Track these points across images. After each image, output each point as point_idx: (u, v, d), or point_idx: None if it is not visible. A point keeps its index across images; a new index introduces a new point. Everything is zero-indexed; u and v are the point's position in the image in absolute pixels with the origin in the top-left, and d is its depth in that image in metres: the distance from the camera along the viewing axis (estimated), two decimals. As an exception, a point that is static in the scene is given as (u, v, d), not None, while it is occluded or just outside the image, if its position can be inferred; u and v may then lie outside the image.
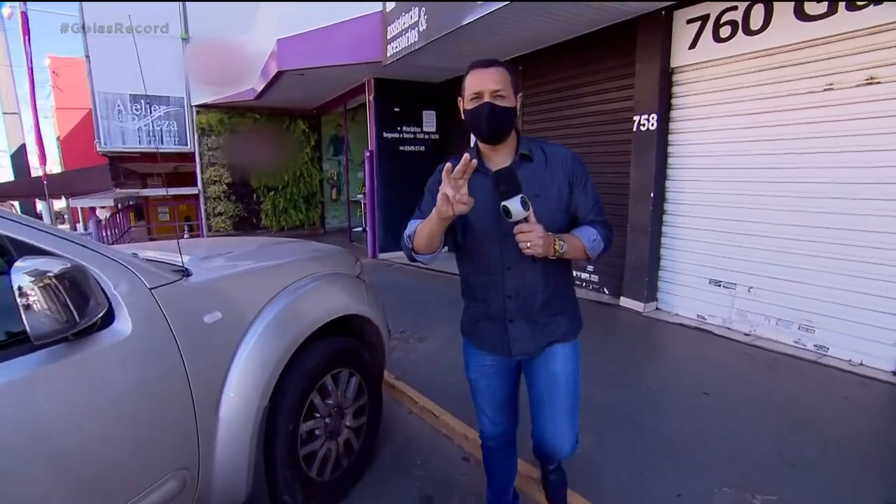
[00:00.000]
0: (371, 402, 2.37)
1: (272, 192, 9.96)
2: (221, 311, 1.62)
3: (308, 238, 9.90)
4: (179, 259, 1.67)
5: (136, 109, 8.64)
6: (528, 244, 1.31)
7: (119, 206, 10.78)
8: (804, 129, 3.41)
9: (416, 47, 4.88)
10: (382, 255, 7.31)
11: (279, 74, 6.48)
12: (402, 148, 7.26)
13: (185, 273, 1.63)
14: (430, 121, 7.44)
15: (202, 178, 9.38)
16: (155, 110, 8.87)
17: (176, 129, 9.07)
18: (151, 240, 10.57)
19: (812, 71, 3.32)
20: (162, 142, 9.04)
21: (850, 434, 2.47)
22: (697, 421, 2.62)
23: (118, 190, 10.24)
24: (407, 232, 1.55)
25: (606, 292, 5.05)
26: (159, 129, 8.94)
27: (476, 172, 1.28)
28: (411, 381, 3.22)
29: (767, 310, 3.73)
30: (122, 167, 10.35)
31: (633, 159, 4.42)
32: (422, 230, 1.43)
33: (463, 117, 1.50)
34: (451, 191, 1.23)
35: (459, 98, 1.51)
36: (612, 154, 4.79)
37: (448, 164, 1.25)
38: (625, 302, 4.63)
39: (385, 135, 7.09)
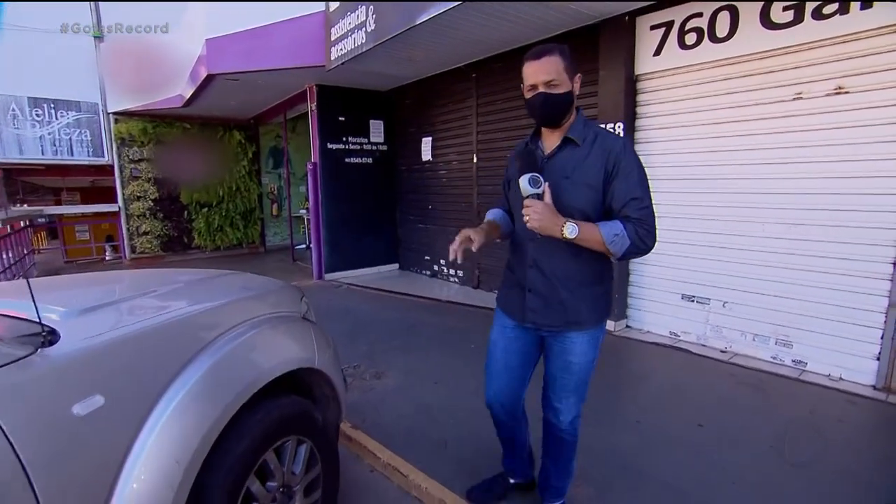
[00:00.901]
0: (326, 471, 1.89)
1: (205, 209, 9.07)
2: (105, 393, 1.11)
3: (248, 258, 9.10)
4: (38, 314, 1.14)
5: (38, 115, 7.56)
6: (527, 218, 1.44)
7: (11, 227, 9.42)
8: (776, 138, 3.30)
9: (364, 49, 4.46)
10: (329, 276, 6.73)
11: (209, 79, 5.83)
12: (348, 160, 6.77)
13: (48, 338, 1.11)
14: (377, 131, 7.01)
15: (123, 194, 8.38)
16: (62, 116, 7.80)
17: (89, 138, 8.03)
18: (67, 263, 9.32)
19: (782, 80, 3.23)
20: (72, 153, 7.96)
21: (863, 466, 2.28)
22: (701, 462, 2.33)
23: (15, 207, 8.93)
24: (486, 218, 1.80)
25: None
26: (67, 137, 7.86)
27: (530, 150, 1.59)
28: (371, 429, 2.74)
29: (743, 325, 3.59)
30: (22, 181, 9.05)
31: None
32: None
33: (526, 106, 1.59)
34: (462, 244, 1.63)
35: (522, 85, 1.58)
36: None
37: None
38: (594, 320, 4.38)
39: (329, 146, 6.57)
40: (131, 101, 7.90)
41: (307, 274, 7.06)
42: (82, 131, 7.95)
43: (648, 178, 1.56)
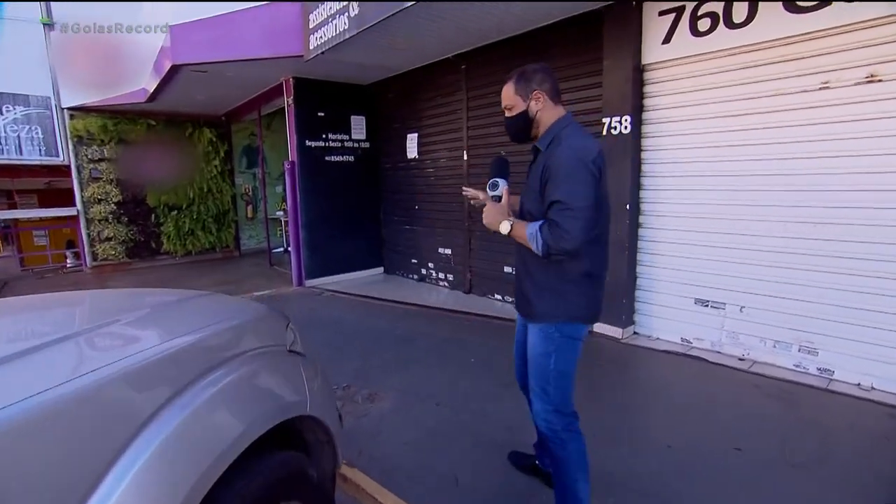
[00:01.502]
0: (321, 536, 1.54)
1: (175, 212, 8.49)
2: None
3: (222, 263, 8.56)
4: None
5: (-22, 110, 6.89)
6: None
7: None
8: (798, 131, 3.07)
9: (347, 36, 4.07)
10: (310, 282, 6.31)
11: (174, 70, 5.33)
12: (328, 158, 6.35)
13: None
14: (359, 127, 6.60)
15: (82, 197, 7.74)
16: (7, 111, 7.12)
17: (41, 135, 7.36)
18: (24, 271, 8.60)
19: (806, 68, 2.99)
20: (21, 152, 7.29)
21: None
22: (752, 496, 2.06)
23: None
24: None
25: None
26: (15, 135, 7.18)
27: (501, 157, 1.88)
28: (368, 465, 2.38)
29: (763, 331, 3.36)
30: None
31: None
32: None
33: None
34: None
35: None
36: (577, 162, 4.30)
37: None
38: (599, 328, 4.11)
39: (308, 143, 6.14)
40: (89, 96, 7.28)
41: (286, 280, 6.61)
42: (32, 128, 7.28)
43: (583, 182, 1.53)
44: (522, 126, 1.73)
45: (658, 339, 3.93)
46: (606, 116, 3.85)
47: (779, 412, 2.76)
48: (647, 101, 3.77)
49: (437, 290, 5.94)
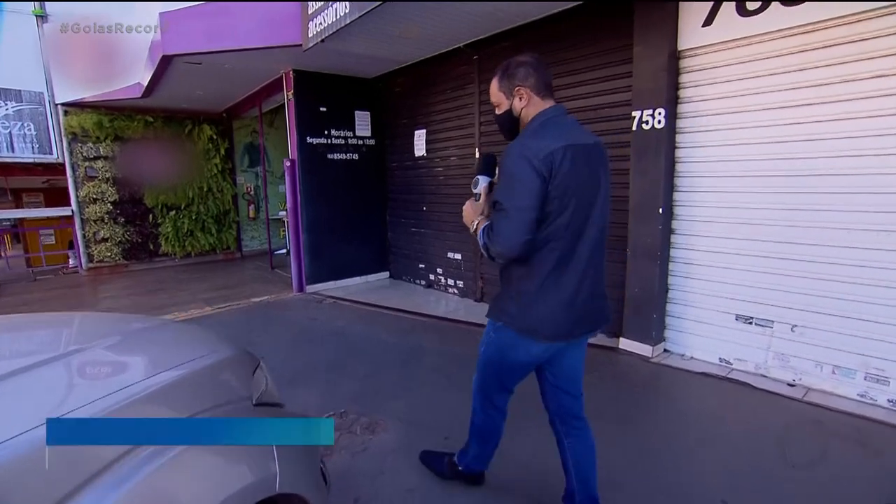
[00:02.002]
0: None
1: (173, 212, 8.18)
2: None
3: (222, 265, 8.23)
4: None
5: (-33, 106, 6.61)
6: None
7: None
8: (867, 124, 2.64)
9: (348, 21, 3.69)
10: (311, 287, 5.95)
11: (166, 61, 4.99)
12: (330, 156, 5.98)
13: None
14: (363, 123, 6.23)
15: (77, 196, 7.45)
16: None
17: (34, 132, 7.09)
18: (27, 271, 8.30)
19: (879, 49, 2.56)
20: (12, 149, 7.01)
21: None
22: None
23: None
24: None
25: (603, 332, 4.11)
26: (6, 131, 6.90)
27: (489, 154, 1.80)
28: (366, 519, 2.01)
29: (819, 354, 2.94)
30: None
31: (634, 166, 3.52)
32: None
33: None
34: None
35: None
36: (610, 158, 3.89)
37: None
38: (626, 345, 3.71)
39: (309, 140, 5.78)
40: (83, 91, 6.98)
41: (287, 284, 6.26)
42: (25, 124, 7.01)
43: (521, 183, 1.46)
44: (509, 124, 1.67)
45: (692, 358, 3.52)
46: (637, 109, 3.44)
47: (857, 459, 2.34)
48: (683, 92, 3.35)
49: (445, 298, 5.55)
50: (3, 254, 12.80)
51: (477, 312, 4.91)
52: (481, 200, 1.64)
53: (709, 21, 3.12)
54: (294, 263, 5.90)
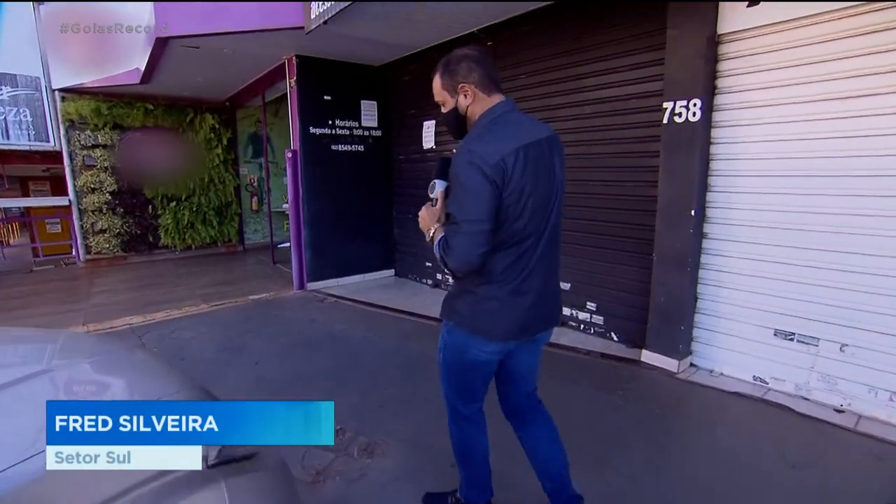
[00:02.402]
0: None
1: (173, 203, 7.95)
2: None
3: (223, 258, 8.00)
4: None
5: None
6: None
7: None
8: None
9: (351, 0, 3.39)
10: (312, 285, 5.69)
11: (161, 45, 4.72)
12: (335, 147, 5.69)
13: None
14: (370, 113, 5.93)
15: (75, 186, 7.24)
16: (-6, 93, 6.63)
17: (30, 118, 6.87)
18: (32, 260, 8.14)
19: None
20: (7, 136, 6.79)
21: None
22: None
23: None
24: None
25: (615, 339, 3.82)
26: (2, 117, 6.69)
27: (444, 157, 1.59)
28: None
29: (874, 378, 2.61)
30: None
31: (664, 163, 3.20)
32: None
33: None
34: None
35: None
36: (628, 156, 3.57)
37: None
38: (649, 357, 3.40)
39: (312, 130, 5.49)
40: (81, 76, 6.73)
41: (288, 281, 6.01)
42: (20, 110, 6.78)
43: (474, 194, 1.39)
44: (456, 123, 1.57)
45: (722, 374, 3.21)
46: (669, 100, 3.11)
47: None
48: (721, 82, 3.01)
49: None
50: (6, 243, 12.73)
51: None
52: (438, 206, 1.54)
53: (755, 0, 2.78)
54: (295, 260, 5.63)
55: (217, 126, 8.07)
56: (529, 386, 1.79)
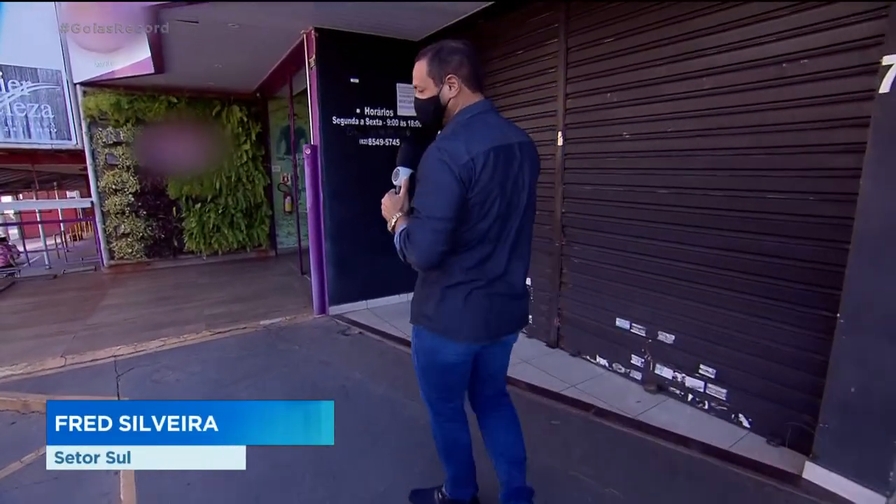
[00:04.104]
0: None
1: (198, 205, 7.31)
2: None
3: (251, 265, 7.27)
4: None
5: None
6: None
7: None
8: None
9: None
10: (335, 309, 4.73)
11: (153, 18, 3.88)
12: (364, 142, 4.68)
13: None
14: (407, 98, 4.86)
15: (97, 187, 6.72)
16: (14, 87, 6.16)
17: (51, 115, 6.39)
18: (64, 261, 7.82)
19: None
20: (29, 134, 6.35)
21: None
22: None
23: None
24: None
25: (747, 425, 2.55)
26: (23, 115, 6.24)
27: (406, 144, 1.60)
28: None
29: None
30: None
31: (876, 162, 1.89)
32: None
33: None
34: None
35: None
36: (786, 152, 2.27)
37: None
38: (822, 478, 2.11)
39: (336, 121, 4.51)
40: (101, 67, 6.13)
41: (310, 300, 5.09)
42: (42, 106, 6.31)
43: (441, 191, 1.37)
44: (432, 112, 1.51)
45: (970, 523, 1.87)
46: (892, 54, 1.80)
47: None
48: None
49: (505, 335, 4.11)
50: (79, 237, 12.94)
51: (552, 366, 3.44)
52: (401, 194, 1.51)
53: None
54: (315, 278, 4.69)
55: (246, 119, 7.32)
56: (497, 387, 1.81)
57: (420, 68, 1.49)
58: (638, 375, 3.20)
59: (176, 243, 7.32)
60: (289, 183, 8.18)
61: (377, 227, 4.69)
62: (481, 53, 4.16)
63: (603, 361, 3.44)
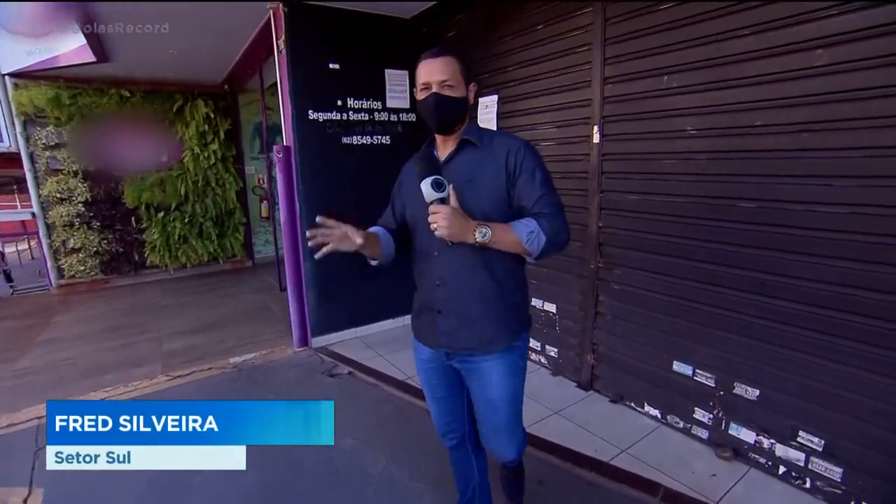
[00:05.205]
0: None
1: (161, 214, 6.44)
2: None
3: (225, 278, 6.44)
4: None
5: None
6: (435, 225, 1.30)
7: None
8: None
9: None
10: (319, 340, 3.99)
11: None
12: (347, 140, 3.91)
13: None
14: (399, 89, 4.10)
15: (39, 195, 5.82)
16: (-73, 81, 5.22)
17: (-25, 113, 5.47)
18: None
19: None
20: (-52, 135, 5.43)
21: None
22: None
23: None
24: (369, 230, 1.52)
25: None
26: (-62, 113, 5.32)
27: (428, 151, 1.50)
28: None
29: None
30: None
31: None
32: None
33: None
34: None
35: (415, 89, 1.45)
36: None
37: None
38: None
39: (314, 116, 3.73)
40: (33, 56, 5.22)
41: (289, 326, 4.32)
42: (-37, 103, 5.36)
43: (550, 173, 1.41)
44: (459, 113, 1.43)
45: None
46: None
47: None
48: None
49: (528, 374, 3.40)
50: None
51: (590, 419, 2.75)
52: (453, 203, 1.32)
53: None
54: (294, 305, 3.93)
55: (213, 115, 6.45)
56: (484, 417, 1.60)
57: (452, 65, 1.41)
58: (703, 433, 2.53)
59: (137, 257, 6.44)
60: (265, 185, 7.35)
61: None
62: (488, 32, 3.42)
63: (654, 412, 2.76)
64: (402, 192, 1.57)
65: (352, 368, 3.57)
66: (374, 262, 1.50)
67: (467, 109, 1.44)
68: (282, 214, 3.78)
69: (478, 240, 1.30)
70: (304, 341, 3.97)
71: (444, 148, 1.49)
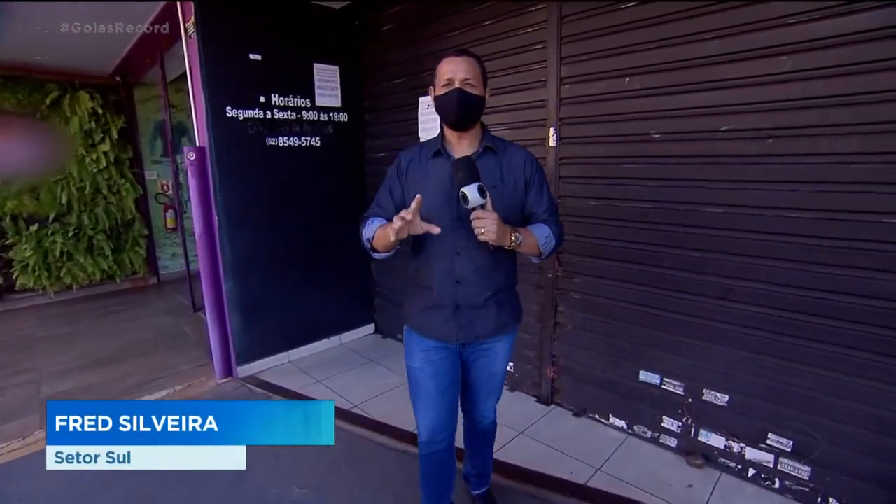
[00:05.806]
0: None
1: (35, 227, 5.42)
2: None
3: (125, 300, 5.55)
4: None
5: None
6: (483, 230, 1.35)
7: None
8: None
9: None
10: (245, 368, 3.50)
11: None
12: (272, 141, 3.47)
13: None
14: (329, 85, 3.73)
15: None
16: None
17: None
18: None
19: None
20: None
21: None
22: None
23: None
24: (366, 235, 1.55)
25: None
26: None
27: (437, 157, 1.54)
28: None
29: None
30: None
31: None
32: (381, 238, 1.46)
33: (434, 106, 1.51)
34: (408, 217, 1.30)
35: (431, 87, 1.53)
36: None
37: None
38: None
39: (232, 113, 3.25)
40: None
41: (209, 353, 3.76)
42: None
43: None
44: (478, 111, 1.51)
45: None
46: None
47: None
48: None
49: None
50: None
51: (556, 437, 2.61)
52: (489, 208, 1.37)
53: None
54: (215, 330, 3.40)
55: (101, 111, 5.55)
56: (476, 399, 1.80)
57: (475, 65, 1.49)
58: (672, 442, 2.49)
59: (2, 280, 5.36)
60: (170, 192, 6.50)
61: (295, 255, 3.55)
62: (430, 27, 3.19)
63: (619, 423, 2.69)
64: (411, 186, 1.56)
65: (289, 399, 3.14)
66: (385, 255, 1.55)
67: (483, 109, 1.52)
68: (196, 227, 3.25)
69: (513, 243, 1.41)
70: (227, 371, 3.46)
71: (459, 148, 1.55)
